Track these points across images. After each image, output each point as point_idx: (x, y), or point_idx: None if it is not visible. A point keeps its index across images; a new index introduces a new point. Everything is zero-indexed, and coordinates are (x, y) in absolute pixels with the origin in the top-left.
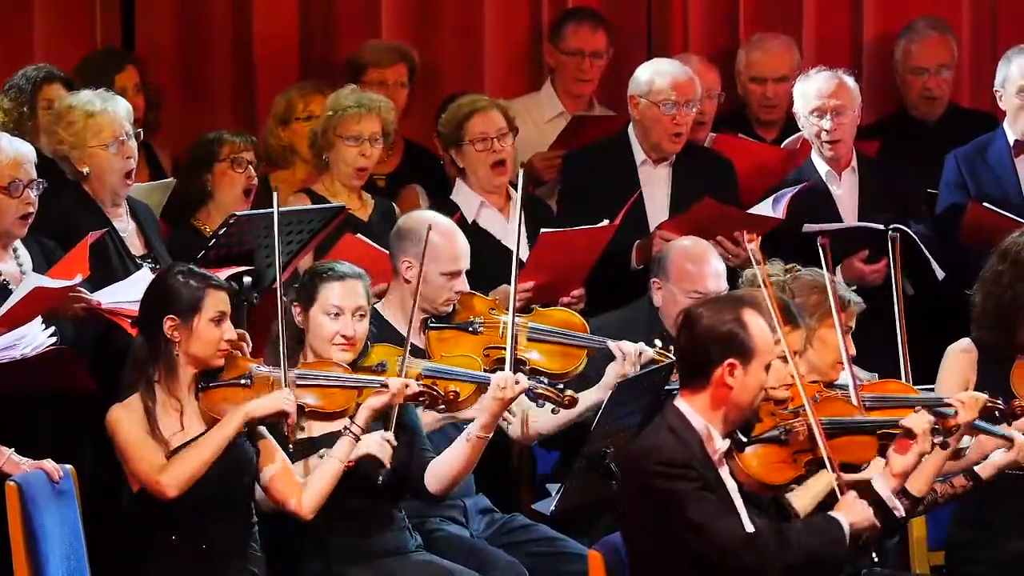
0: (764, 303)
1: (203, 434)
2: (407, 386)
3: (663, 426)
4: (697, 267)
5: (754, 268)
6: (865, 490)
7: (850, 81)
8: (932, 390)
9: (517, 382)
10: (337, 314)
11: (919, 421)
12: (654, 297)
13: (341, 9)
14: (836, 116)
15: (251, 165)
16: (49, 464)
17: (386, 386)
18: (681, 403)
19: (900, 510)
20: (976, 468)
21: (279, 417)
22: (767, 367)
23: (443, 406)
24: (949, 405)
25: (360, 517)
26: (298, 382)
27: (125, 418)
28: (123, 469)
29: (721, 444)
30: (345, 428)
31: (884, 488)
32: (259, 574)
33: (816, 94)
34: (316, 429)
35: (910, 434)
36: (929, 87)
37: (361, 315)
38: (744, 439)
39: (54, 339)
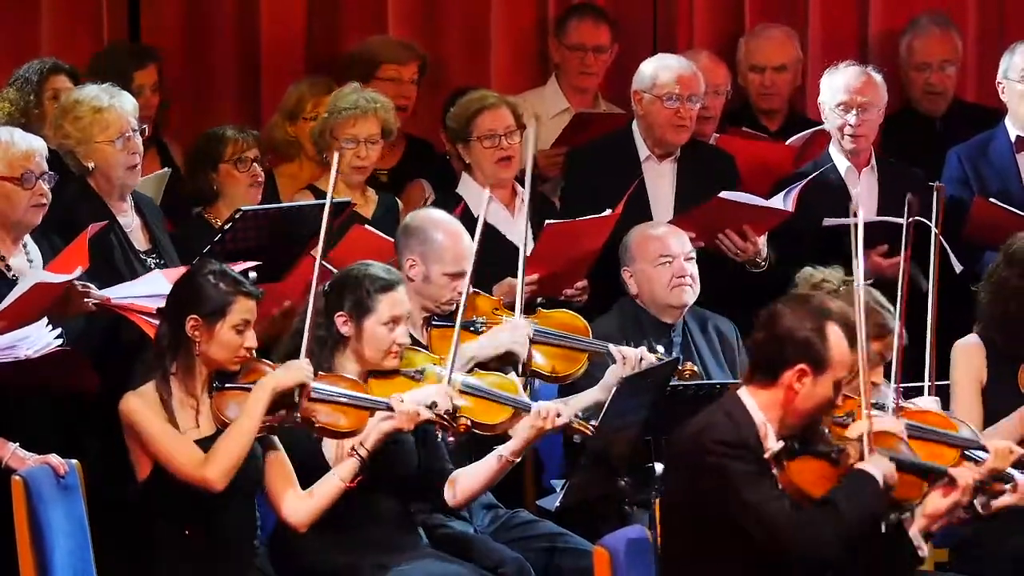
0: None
1: (215, 434)
2: (418, 414)
3: (719, 411)
4: (658, 238)
5: (809, 268)
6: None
7: (878, 78)
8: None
9: (558, 415)
10: (393, 324)
11: (966, 475)
12: (628, 287)
13: (347, 5)
14: (862, 112)
15: (255, 162)
16: (54, 459)
17: (392, 409)
18: (744, 394)
19: (924, 551)
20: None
21: (298, 387)
22: (837, 383)
23: (452, 438)
24: (984, 449)
25: (370, 514)
26: (312, 396)
27: (143, 408)
28: (127, 461)
29: (773, 444)
30: (353, 449)
31: (913, 527)
32: (267, 570)
33: (844, 88)
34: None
35: (955, 483)
36: (932, 82)
37: (408, 319)
38: (797, 447)
39: (59, 340)
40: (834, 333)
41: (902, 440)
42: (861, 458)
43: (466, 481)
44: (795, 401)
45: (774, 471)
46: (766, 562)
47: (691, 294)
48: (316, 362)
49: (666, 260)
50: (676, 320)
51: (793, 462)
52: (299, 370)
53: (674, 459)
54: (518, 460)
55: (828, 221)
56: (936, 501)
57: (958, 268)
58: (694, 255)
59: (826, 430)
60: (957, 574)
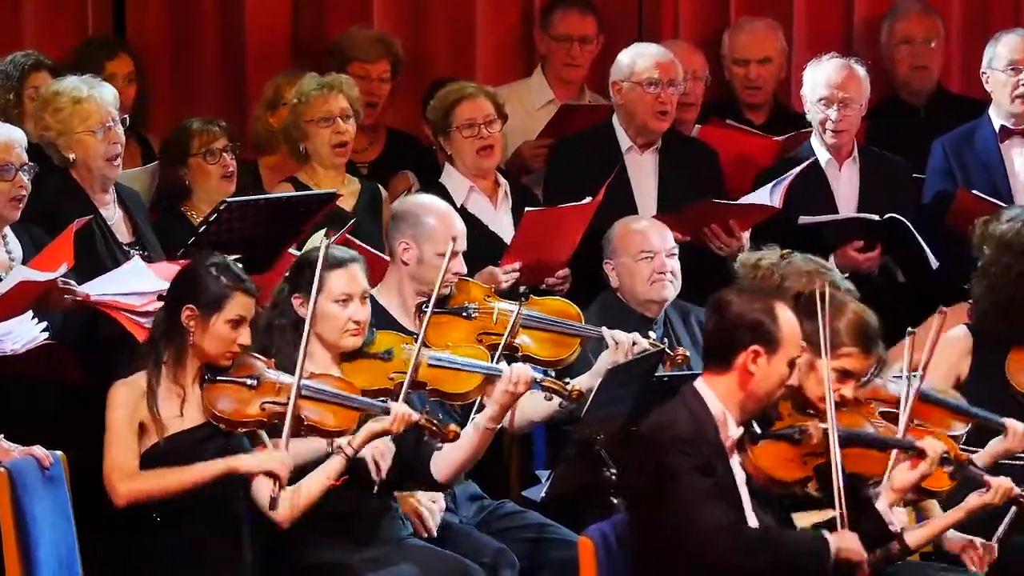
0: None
1: (199, 427)
2: (409, 416)
3: (678, 404)
4: (641, 233)
5: (744, 253)
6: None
7: (861, 71)
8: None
9: (530, 377)
10: (346, 301)
11: (934, 445)
12: (610, 279)
13: None
14: (843, 107)
15: (225, 152)
16: (39, 451)
17: (388, 412)
18: (701, 385)
19: (895, 525)
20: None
21: (266, 476)
22: (791, 363)
23: (440, 442)
24: (987, 483)
25: (356, 507)
26: (304, 392)
27: (121, 399)
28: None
29: (734, 431)
30: (339, 447)
31: (882, 503)
32: (256, 565)
33: (826, 83)
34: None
35: (923, 454)
36: (918, 54)
37: (365, 298)
38: (759, 432)
39: (46, 334)
40: (783, 312)
41: (868, 417)
42: (823, 446)
43: (449, 456)
44: (751, 384)
45: (737, 459)
46: None
47: (672, 289)
48: (277, 348)
49: (647, 255)
50: (656, 315)
51: (756, 447)
52: (273, 461)
53: (631, 458)
54: (498, 427)
55: (803, 219)
56: (904, 474)
57: (934, 264)
58: (676, 251)
59: (786, 414)
60: (942, 564)
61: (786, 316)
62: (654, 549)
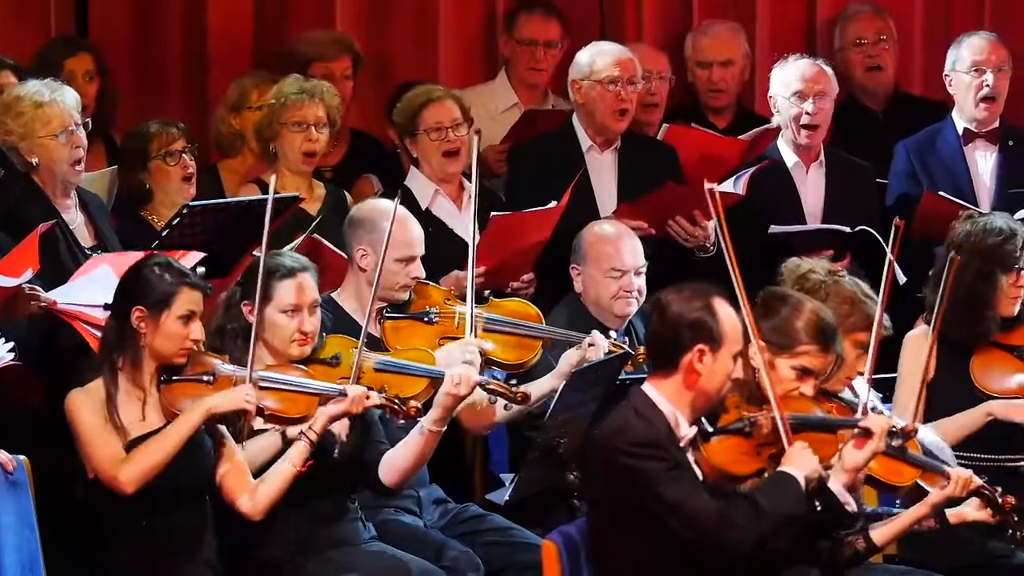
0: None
1: (162, 428)
2: (367, 397)
3: (629, 409)
4: (613, 245)
5: (795, 259)
6: (817, 486)
7: (829, 70)
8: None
9: (472, 378)
10: (294, 312)
11: (878, 422)
12: (575, 283)
13: None
14: (818, 100)
15: (184, 153)
16: (2, 455)
17: (345, 395)
18: (649, 388)
19: (852, 505)
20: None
21: (238, 414)
22: (735, 356)
23: (403, 421)
24: (947, 476)
25: (313, 508)
26: (260, 384)
27: (84, 404)
28: (79, 459)
29: (687, 431)
30: (301, 433)
31: (836, 483)
32: (216, 566)
33: (799, 78)
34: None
35: (868, 433)
36: (872, 55)
37: (315, 308)
38: (710, 429)
39: (12, 355)
40: (721, 307)
41: (814, 402)
42: (775, 435)
43: (395, 460)
44: (700, 383)
45: (691, 458)
46: (687, 555)
47: (635, 306)
48: (229, 353)
49: (616, 273)
50: (618, 327)
51: (709, 444)
52: (239, 397)
53: (591, 462)
54: (442, 430)
55: (774, 229)
56: (853, 454)
57: (902, 279)
58: (644, 268)
59: (732, 407)
60: (904, 566)
61: (725, 311)
62: (622, 555)
